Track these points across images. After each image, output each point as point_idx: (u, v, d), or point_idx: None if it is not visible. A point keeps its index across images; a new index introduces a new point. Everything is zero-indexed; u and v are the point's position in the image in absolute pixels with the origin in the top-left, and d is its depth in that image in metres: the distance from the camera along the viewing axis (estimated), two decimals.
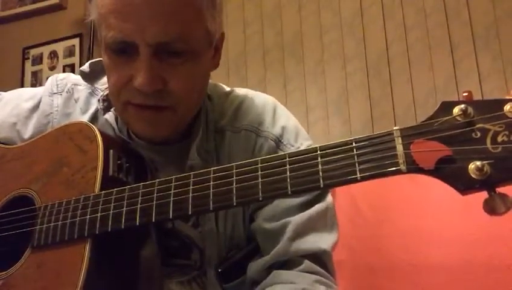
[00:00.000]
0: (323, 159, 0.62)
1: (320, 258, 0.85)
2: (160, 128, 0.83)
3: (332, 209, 0.89)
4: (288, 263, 0.84)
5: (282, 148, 0.88)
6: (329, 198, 0.88)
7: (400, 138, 0.58)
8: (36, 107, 1.00)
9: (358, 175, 0.60)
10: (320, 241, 0.85)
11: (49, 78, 1.04)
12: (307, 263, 0.84)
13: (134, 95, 0.80)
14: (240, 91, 0.97)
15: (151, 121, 0.82)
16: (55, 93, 1.00)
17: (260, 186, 0.65)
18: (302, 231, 0.83)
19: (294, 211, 0.85)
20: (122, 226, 0.73)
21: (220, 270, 0.87)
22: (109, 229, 0.74)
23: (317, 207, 0.85)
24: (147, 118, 0.82)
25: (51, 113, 0.98)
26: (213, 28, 0.83)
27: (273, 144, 0.88)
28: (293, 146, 0.88)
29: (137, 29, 0.76)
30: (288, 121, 0.92)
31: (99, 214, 0.75)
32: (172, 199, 0.71)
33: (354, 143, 0.61)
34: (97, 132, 0.83)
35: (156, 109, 0.80)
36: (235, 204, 0.67)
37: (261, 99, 0.95)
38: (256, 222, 0.87)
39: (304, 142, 0.89)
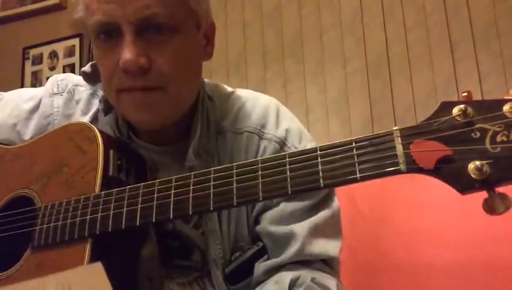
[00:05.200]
0: (323, 159, 0.63)
1: (329, 264, 0.86)
2: (153, 111, 0.81)
3: (339, 215, 0.89)
4: (298, 264, 0.84)
5: (286, 150, 0.87)
6: (335, 203, 0.88)
7: (399, 138, 0.59)
8: (36, 108, 1.00)
9: (358, 175, 0.60)
10: (329, 247, 0.85)
11: (50, 79, 1.03)
12: (317, 265, 0.84)
13: (123, 79, 0.79)
14: (242, 92, 0.97)
15: (143, 104, 0.81)
16: (55, 93, 0.99)
17: (260, 186, 0.65)
18: (312, 237, 0.83)
19: (301, 215, 0.85)
20: (123, 227, 0.73)
21: (227, 271, 0.87)
22: (109, 230, 0.74)
23: (325, 213, 0.85)
24: (138, 101, 0.80)
25: (51, 114, 0.98)
26: (198, 9, 0.83)
27: (277, 146, 0.88)
28: (297, 148, 0.87)
29: (118, 8, 0.76)
30: (292, 123, 0.92)
31: (99, 215, 0.75)
32: (172, 199, 0.71)
33: (354, 143, 0.61)
34: (97, 132, 0.83)
35: (146, 90, 0.80)
36: (235, 204, 0.67)
37: (263, 101, 0.95)
38: (262, 224, 0.87)
39: (308, 144, 0.89)
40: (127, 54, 0.76)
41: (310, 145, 0.89)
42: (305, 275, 0.80)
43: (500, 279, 1.19)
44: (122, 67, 0.77)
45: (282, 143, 0.88)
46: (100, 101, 0.93)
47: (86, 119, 0.95)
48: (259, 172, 0.66)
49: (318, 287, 0.79)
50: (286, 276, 0.80)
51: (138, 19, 0.77)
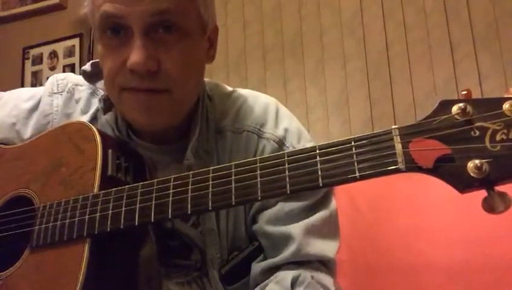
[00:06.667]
0: (322, 158, 0.62)
1: (326, 265, 0.85)
2: (156, 115, 0.81)
3: (336, 215, 0.88)
4: (295, 264, 0.83)
5: (285, 150, 0.87)
6: (333, 204, 0.88)
7: (398, 137, 0.58)
8: (35, 107, 1.00)
9: (357, 174, 0.59)
10: (326, 248, 0.85)
11: (49, 78, 1.03)
12: (315, 264, 0.84)
13: (129, 79, 0.78)
14: (242, 92, 0.97)
15: (147, 106, 0.80)
16: (55, 93, 0.99)
17: (259, 186, 0.65)
18: (308, 238, 0.83)
19: (298, 215, 0.84)
20: (121, 226, 0.73)
21: (223, 272, 0.87)
22: (108, 229, 0.74)
23: (322, 214, 0.85)
24: (142, 103, 0.80)
25: (51, 113, 0.98)
26: (205, 15, 0.83)
27: (276, 145, 0.88)
28: (295, 148, 0.87)
29: (128, 5, 0.75)
30: (291, 122, 0.92)
31: (98, 214, 0.75)
32: (171, 198, 0.71)
33: (352, 142, 0.61)
34: (95, 132, 0.83)
35: (150, 91, 0.79)
36: (234, 204, 0.67)
37: (263, 100, 0.95)
38: (259, 224, 0.87)
39: (307, 144, 0.89)
40: (137, 56, 0.75)
41: (308, 145, 0.88)
42: (305, 273, 0.80)
43: (500, 279, 1.19)
44: (130, 68, 0.77)
45: (281, 143, 0.88)
46: (100, 100, 0.93)
47: (85, 118, 0.94)
48: (258, 171, 0.66)
49: (318, 285, 0.79)
50: (287, 275, 0.80)
51: (151, 14, 0.76)
